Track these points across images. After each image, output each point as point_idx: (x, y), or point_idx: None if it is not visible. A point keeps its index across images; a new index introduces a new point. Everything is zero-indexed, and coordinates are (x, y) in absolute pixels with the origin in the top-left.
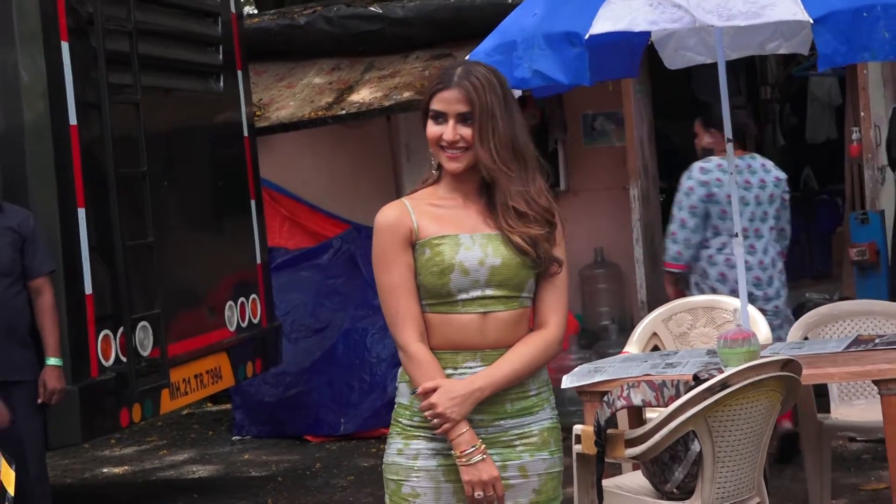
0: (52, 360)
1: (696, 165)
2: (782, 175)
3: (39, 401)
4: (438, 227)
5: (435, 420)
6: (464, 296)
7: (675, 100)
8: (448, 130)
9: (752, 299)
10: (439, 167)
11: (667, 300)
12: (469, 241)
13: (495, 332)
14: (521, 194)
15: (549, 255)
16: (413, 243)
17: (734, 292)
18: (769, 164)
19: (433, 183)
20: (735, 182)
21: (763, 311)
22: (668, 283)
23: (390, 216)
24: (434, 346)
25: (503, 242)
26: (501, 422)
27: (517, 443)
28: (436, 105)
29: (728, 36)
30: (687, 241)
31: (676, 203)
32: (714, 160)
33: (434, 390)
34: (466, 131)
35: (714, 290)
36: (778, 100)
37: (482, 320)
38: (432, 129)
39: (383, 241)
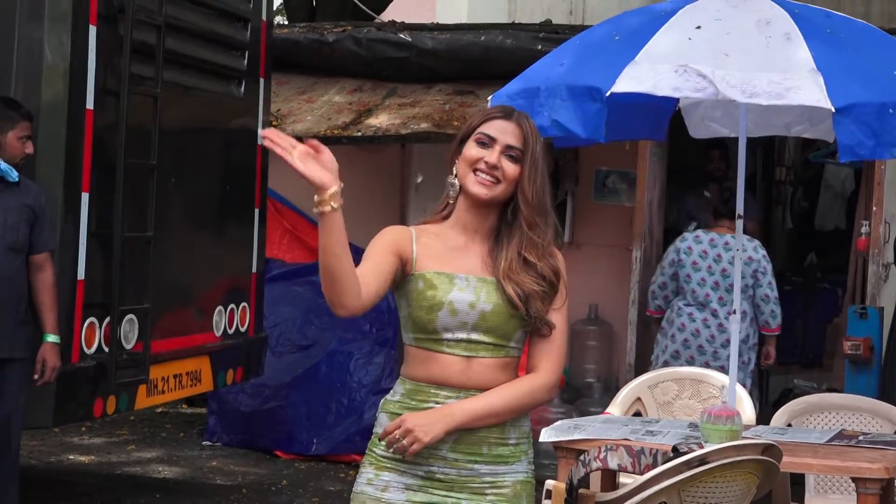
0: (52, 338)
1: (683, 234)
2: (756, 255)
3: (36, 377)
4: (436, 263)
5: (405, 440)
6: (449, 336)
7: (690, 166)
8: (493, 155)
9: (700, 353)
10: (449, 203)
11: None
12: (463, 283)
13: (480, 376)
14: (535, 246)
15: (540, 315)
16: (404, 266)
17: (687, 345)
18: (749, 244)
19: (443, 218)
20: (740, 259)
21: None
22: (653, 323)
23: (396, 232)
24: (418, 378)
25: (497, 289)
26: (476, 465)
27: (489, 491)
28: (488, 129)
29: (754, 113)
30: (654, 293)
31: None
32: (699, 231)
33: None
34: (508, 166)
35: (674, 343)
36: (791, 182)
37: (466, 363)
38: (474, 150)
39: (380, 238)
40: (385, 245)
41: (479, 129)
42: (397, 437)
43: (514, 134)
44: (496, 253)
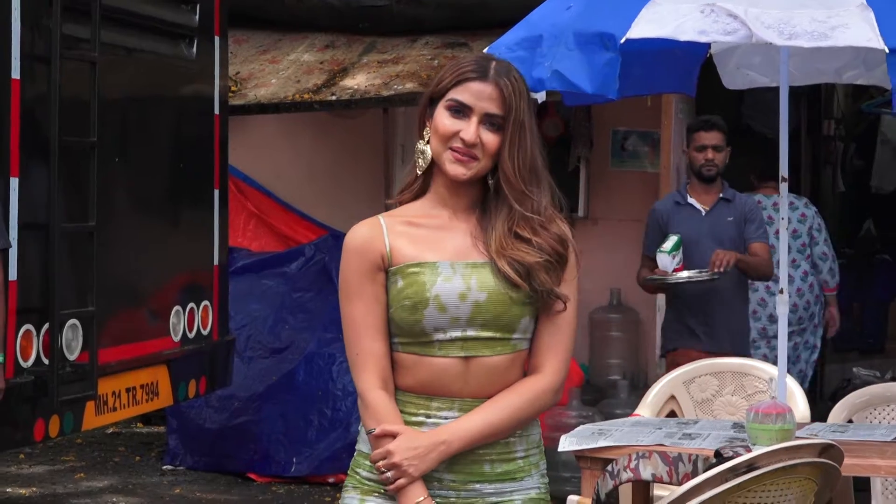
0: None
1: None
2: (809, 211)
3: None
4: (415, 252)
5: (389, 472)
6: (441, 336)
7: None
8: (470, 129)
9: (770, 321)
10: (424, 174)
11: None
12: (449, 271)
13: (479, 379)
14: (528, 220)
15: (546, 287)
16: (385, 269)
17: (756, 317)
18: (798, 202)
19: (416, 195)
20: (784, 228)
21: None
22: None
23: (359, 237)
24: (405, 388)
25: (492, 272)
26: (478, 485)
27: None
28: (460, 95)
29: (799, 58)
30: None
31: None
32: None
33: (393, 437)
34: (489, 137)
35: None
36: (842, 138)
37: (463, 365)
38: (448, 121)
39: (349, 268)
40: (361, 282)
41: (450, 94)
42: (382, 468)
43: (493, 98)
44: (485, 224)
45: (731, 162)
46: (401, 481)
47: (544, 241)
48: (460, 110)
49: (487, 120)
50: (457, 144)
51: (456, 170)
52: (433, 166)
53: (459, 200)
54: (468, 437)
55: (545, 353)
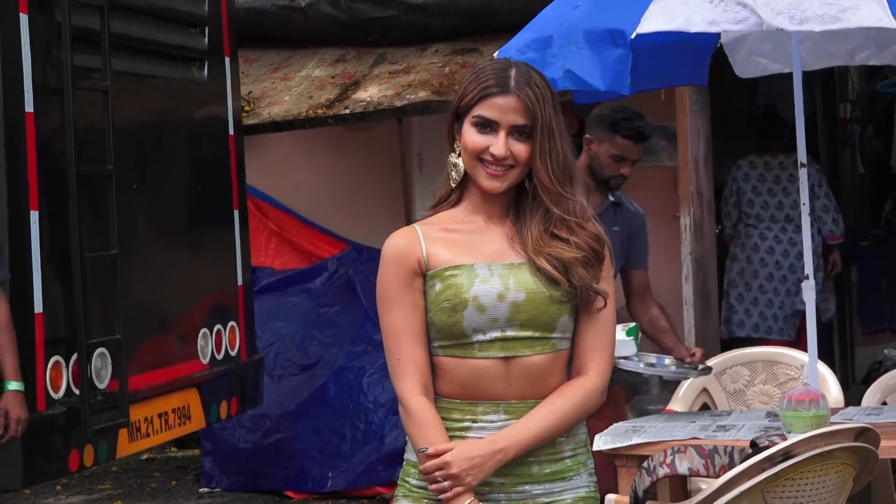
0: (13, 385)
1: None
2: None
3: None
4: (452, 256)
5: (446, 482)
6: (480, 337)
7: (734, 114)
8: (499, 144)
9: (777, 267)
10: (458, 187)
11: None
12: (486, 273)
13: (520, 380)
14: (565, 221)
15: (585, 282)
16: (423, 275)
17: (764, 263)
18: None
19: (452, 205)
20: (807, 214)
21: None
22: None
23: (396, 245)
24: (448, 395)
25: (530, 272)
26: (527, 486)
27: None
28: (485, 111)
29: (810, 42)
30: (724, 224)
31: None
32: (752, 156)
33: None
34: (519, 147)
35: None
36: (859, 120)
37: (504, 366)
38: (476, 137)
39: (387, 276)
40: (400, 290)
41: (475, 111)
42: (438, 478)
43: (518, 110)
44: (520, 226)
45: (747, 151)
46: (458, 489)
47: (581, 240)
48: (487, 125)
49: (515, 131)
50: (487, 158)
51: (490, 184)
52: (465, 176)
53: (494, 206)
54: (525, 444)
55: (590, 353)
